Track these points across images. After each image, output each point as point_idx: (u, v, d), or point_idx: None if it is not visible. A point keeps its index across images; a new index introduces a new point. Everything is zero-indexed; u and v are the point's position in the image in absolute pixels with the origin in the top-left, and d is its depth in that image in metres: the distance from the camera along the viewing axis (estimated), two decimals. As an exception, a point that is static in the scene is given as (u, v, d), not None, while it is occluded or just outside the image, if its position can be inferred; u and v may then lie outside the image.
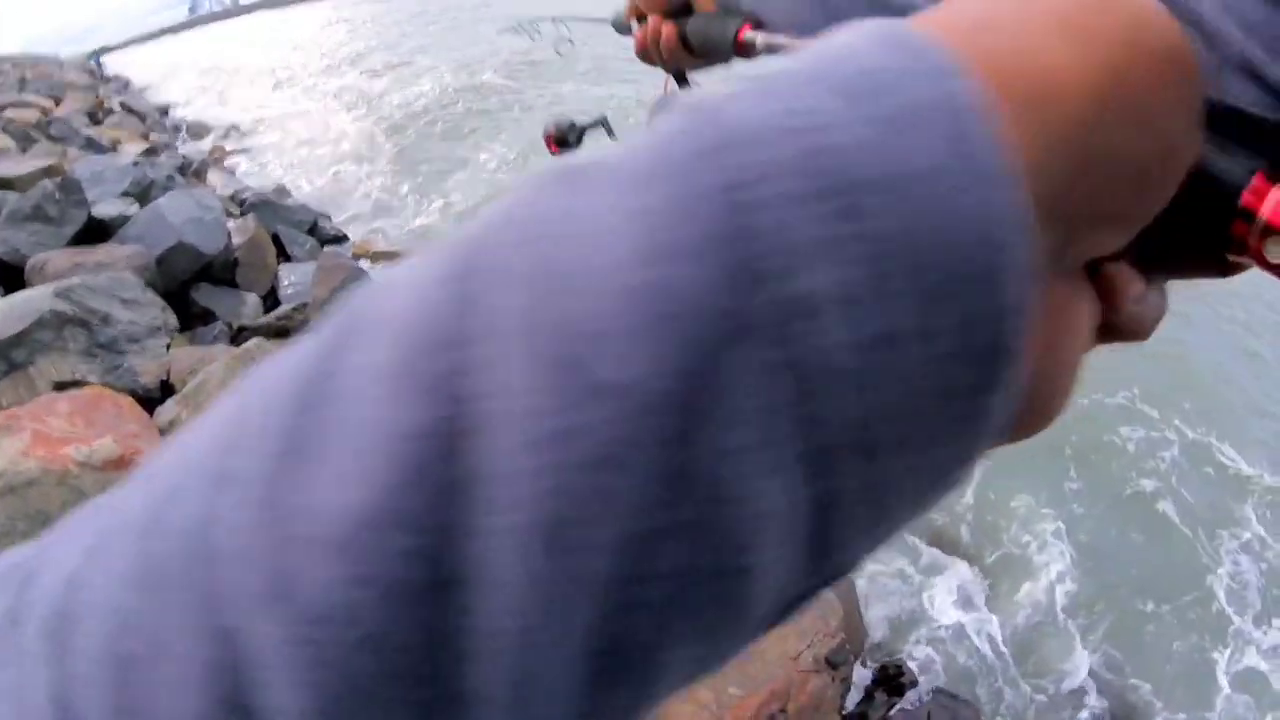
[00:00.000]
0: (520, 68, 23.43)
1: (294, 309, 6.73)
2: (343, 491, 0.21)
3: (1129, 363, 9.77)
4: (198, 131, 18.80)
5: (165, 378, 4.92)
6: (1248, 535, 7.51)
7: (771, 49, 0.87)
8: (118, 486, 0.29)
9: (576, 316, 0.20)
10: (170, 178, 9.85)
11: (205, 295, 7.07)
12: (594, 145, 1.37)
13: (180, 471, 0.25)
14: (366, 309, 0.24)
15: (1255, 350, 9.86)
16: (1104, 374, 9.43)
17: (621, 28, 1.27)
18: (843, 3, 0.77)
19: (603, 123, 1.42)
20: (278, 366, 0.25)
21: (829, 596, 4.89)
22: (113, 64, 43.72)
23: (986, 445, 0.25)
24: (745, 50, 0.93)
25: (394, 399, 0.21)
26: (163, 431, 4.11)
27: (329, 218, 11.69)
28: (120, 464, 3.61)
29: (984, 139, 0.22)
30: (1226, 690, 5.17)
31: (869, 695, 4.89)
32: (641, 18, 1.15)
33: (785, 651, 3.96)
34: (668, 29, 1.05)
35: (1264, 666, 5.29)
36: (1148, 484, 7.23)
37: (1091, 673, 5.21)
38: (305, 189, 13.78)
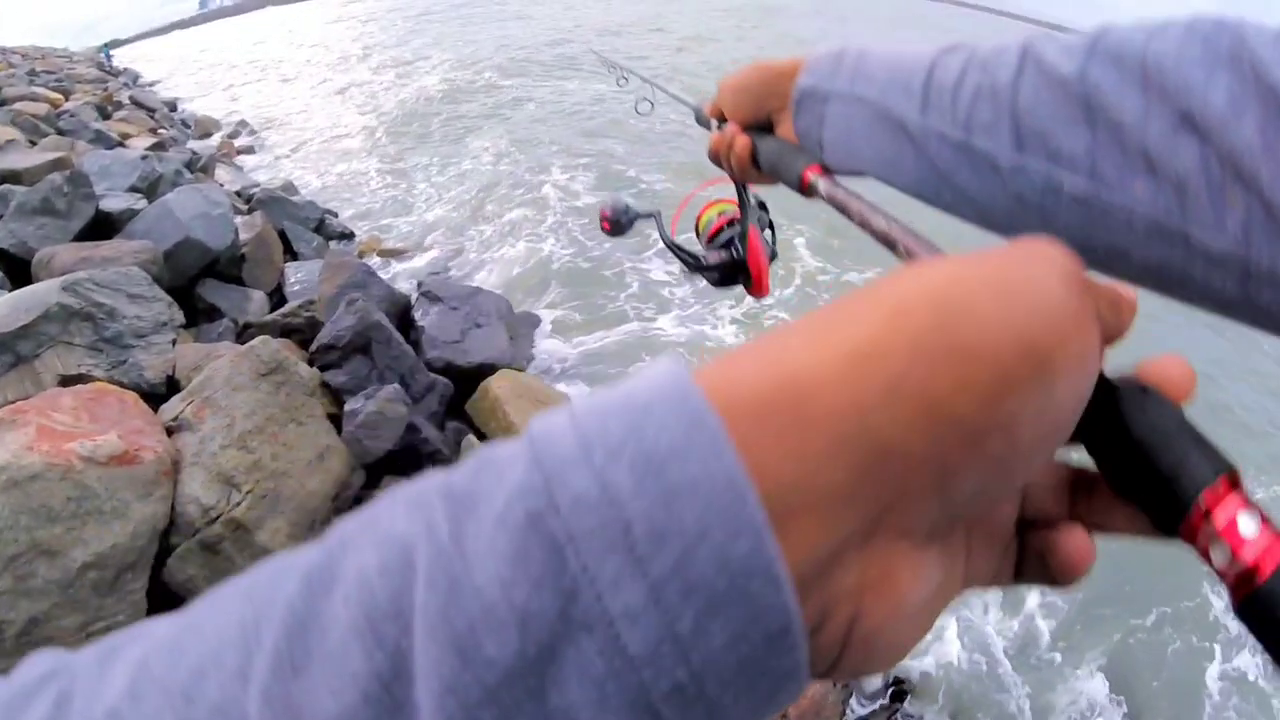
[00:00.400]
0: (522, 64, 23.56)
1: (299, 306, 6.75)
2: (324, 701, 0.30)
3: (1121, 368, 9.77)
4: (206, 126, 18.86)
5: (170, 374, 4.93)
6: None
7: (832, 199, 0.91)
8: (141, 630, 0.37)
9: (469, 615, 0.30)
10: (178, 173, 9.89)
11: (211, 291, 7.10)
12: (643, 230, 1.53)
13: (206, 653, 0.33)
14: (344, 559, 0.34)
15: (1254, 366, 9.89)
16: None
17: (702, 121, 1.30)
18: (944, 152, 0.81)
19: (655, 217, 1.49)
20: (278, 577, 0.35)
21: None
22: (122, 57, 43.85)
23: (797, 689, 0.33)
24: (808, 190, 0.97)
25: (359, 645, 0.30)
26: (167, 428, 4.13)
27: (336, 214, 11.72)
28: (124, 459, 3.63)
29: (741, 502, 0.30)
30: (1217, 697, 5.27)
31: (872, 701, 4.94)
32: (723, 120, 1.18)
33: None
34: (743, 141, 1.09)
35: (1254, 673, 5.38)
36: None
37: (1088, 680, 5.27)
38: (313, 184, 13.82)
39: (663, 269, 10.42)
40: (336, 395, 5.33)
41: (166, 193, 8.00)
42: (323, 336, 5.69)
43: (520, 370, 7.20)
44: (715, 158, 1.20)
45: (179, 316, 5.61)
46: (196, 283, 7.11)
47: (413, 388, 5.75)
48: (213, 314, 6.83)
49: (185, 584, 3.70)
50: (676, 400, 0.32)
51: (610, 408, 0.33)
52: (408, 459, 4.90)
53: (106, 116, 16.64)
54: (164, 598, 3.66)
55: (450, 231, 11.60)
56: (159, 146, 13.44)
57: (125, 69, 36.42)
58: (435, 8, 46.97)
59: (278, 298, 7.87)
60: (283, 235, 9.32)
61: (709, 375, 0.34)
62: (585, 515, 0.30)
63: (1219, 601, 5.84)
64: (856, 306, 0.35)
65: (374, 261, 9.84)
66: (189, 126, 19.11)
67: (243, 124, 19.19)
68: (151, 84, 30.59)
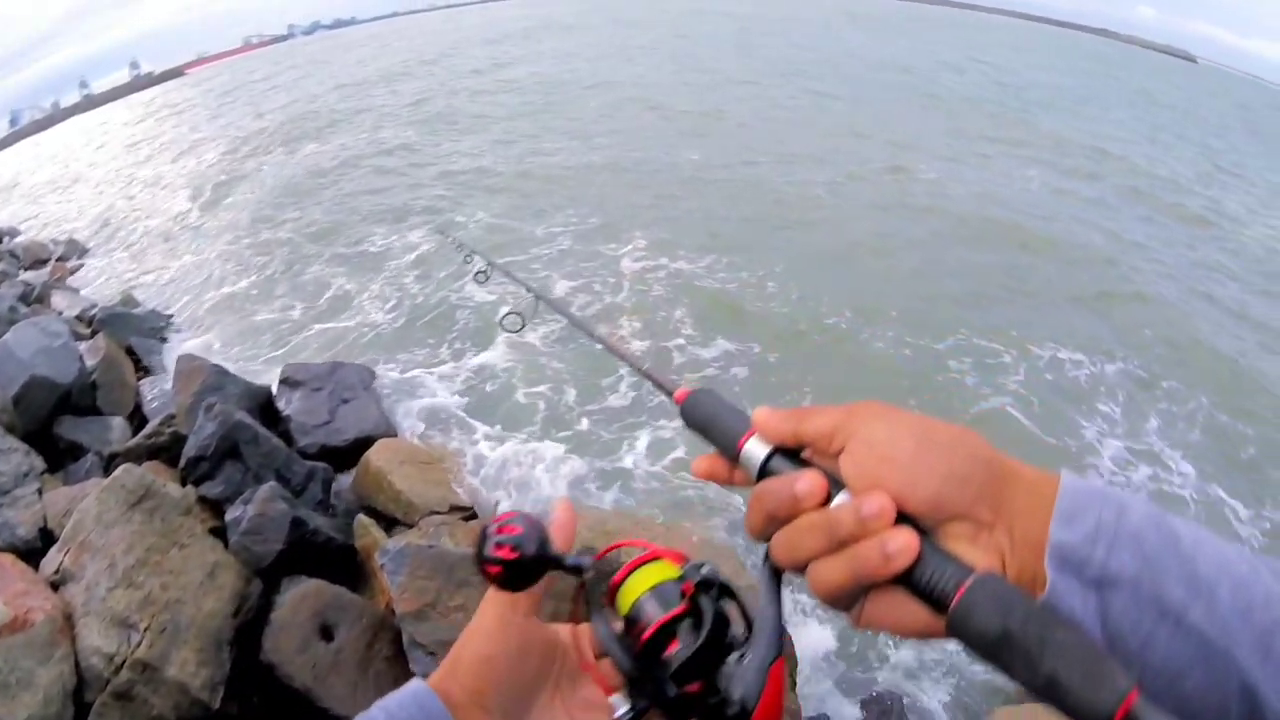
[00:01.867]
0: (312, 127, 23.75)
1: (161, 423, 6.66)
2: None
3: (955, 312, 10.60)
4: (35, 253, 18.25)
5: (43, 525, 4.87)
6: (1108, 411, 8.96)
7: None
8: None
9: None
10: (13, 309, 9.66)
11: (70, 428, 6.95)
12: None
13: None
14: None
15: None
16: (930, 323, 10.21)
17: (722, 441, 0.88)
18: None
19: (600, 619, 0.91)
20: None
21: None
22: (-63, 195, 42.31)
23: None
24: None
25: None
26: (52, 583, 4.08)
27: (179, 316, 11.53)
28: (15, 626, 3.60)
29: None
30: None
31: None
32: (792, 456, 0.81)
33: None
34: (908, 543, 0.68)
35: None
36: (997, 400, 8.07)
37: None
38: (151, 289, 13.58)
39: (484, 291, 10.68)
40: (217, 507, 5.30)
41: (3, 334, 7.80)
42: (189, 449, 5.63)
43: (397, 436, 7.21)
44: (762, 530, 0.78)
45: (39, 463, 5.53)
46: (53, 422, 6.96)
47: (292, 481, 5.74)
48: (76, 451, 6.69)
49: (111, 739, 3.65)
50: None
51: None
52: (302, 555, 4.89)
53: (-69, 264, 16.09)
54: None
55: (293, 309, 11.62)
56: (-11, 286, 13.09)
57: (-57, 208, 35.13)
58: (235, 86, 46.47)
59: (139, 419, 7.72)
60: (131, 351, 9.16)
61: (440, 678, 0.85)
62: None
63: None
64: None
65: (228, 360, 9.77)
66: (18, 257, 18.48)
67: (72, 243, 18.64)
68: (-29, 218, 29.57)
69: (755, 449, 0.82)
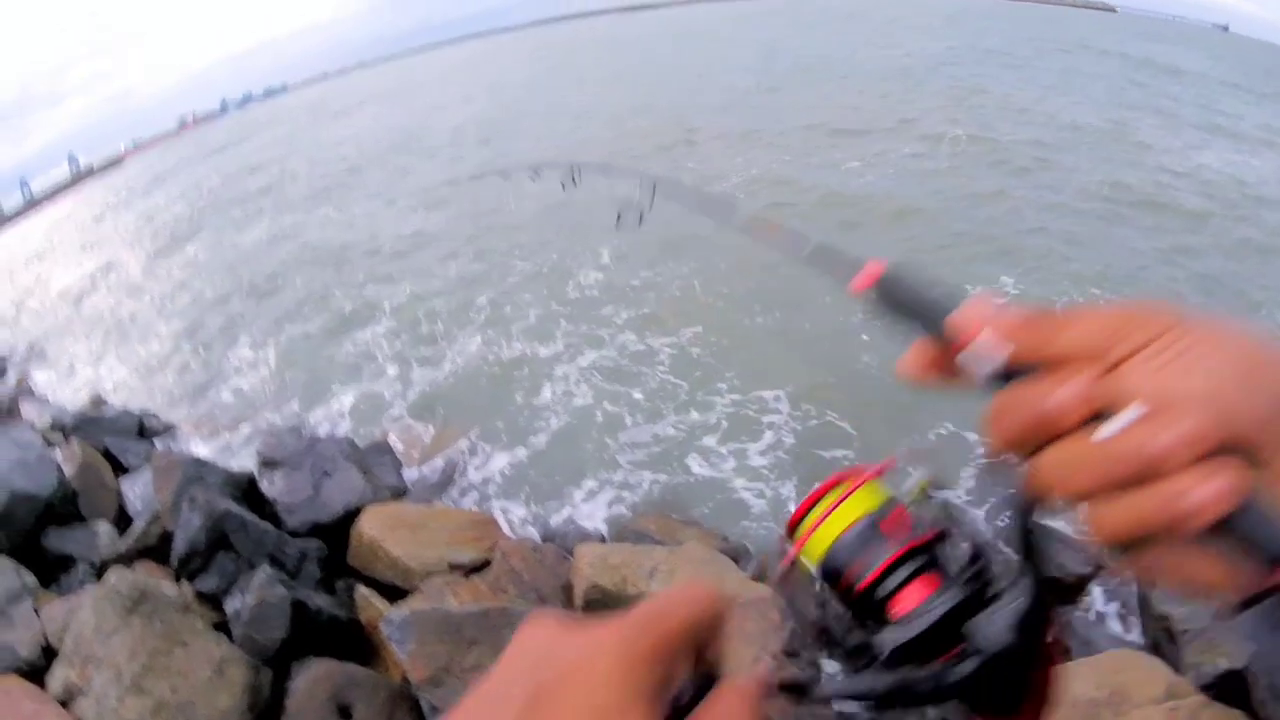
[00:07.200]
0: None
1: (147, 524, 6.60)
2: None
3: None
4: (-9, 361, 18.18)
5: (44, 643, 4.81)
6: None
7: None
8: None
9: None
10: (-16, 423, 9.58)
11: (57, 540, 6.85)
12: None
13: None
14: None
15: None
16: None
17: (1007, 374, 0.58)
18: None
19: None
20: None
21: (763, 592, 4.96)
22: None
23: None
24: None
25: None
26: (61, 701, 4.05)
27: (155, 415, 11.45)
28: (30, 750, 3.58)
29: None
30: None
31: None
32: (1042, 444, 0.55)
33: (741, 663, 4.04)
34: (1229, 478, 0.47)
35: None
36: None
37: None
38: (119, 385, 13.53)
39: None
40: (214, 600, 5.28)
41: (-24, 450, 7.72)
42: (178, 546, 5.62)
43: (385, 501, 7.18)
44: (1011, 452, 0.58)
45: (30, 579, 5.48)
46: (39, 535, 6.84)
47: (286, 563, 5.71)
48: (66, 563, 6.59)
49: None
50: None
51: None
52: (307, 636, 4.88)
53: (-112, 391, 15.90)
54: None
55: (270, 392, 11.62)
56: (-45, 406, 12.96)
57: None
58: (166, 171, 46.35)
59: (125, 520, 7.59)
60: (107, 454, 9.04)
61: None
62: None
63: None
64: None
65: (204, 449, 9.73)
66: (-26, 368, 18.34)
67: (32, 351, 18.51)
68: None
69: (989, 346, 0.58)
